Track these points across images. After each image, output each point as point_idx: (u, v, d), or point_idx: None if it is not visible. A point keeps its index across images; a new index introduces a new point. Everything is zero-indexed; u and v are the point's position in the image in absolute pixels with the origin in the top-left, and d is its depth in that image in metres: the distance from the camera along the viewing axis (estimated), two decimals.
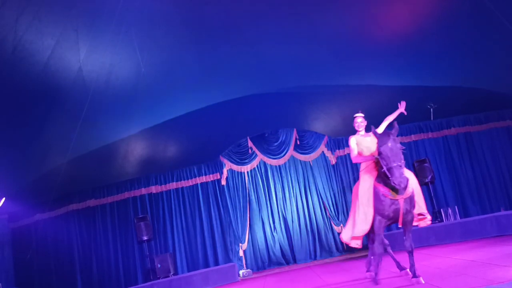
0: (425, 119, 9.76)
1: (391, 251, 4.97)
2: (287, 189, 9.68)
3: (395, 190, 4.21)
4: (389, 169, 4.08)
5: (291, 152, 9.77)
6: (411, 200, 4.35)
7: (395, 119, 4.75)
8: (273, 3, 6.74)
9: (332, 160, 9.77)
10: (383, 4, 7.01)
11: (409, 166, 9.51)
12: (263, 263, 9.31)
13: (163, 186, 9.66)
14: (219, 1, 6.60)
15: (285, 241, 9.40)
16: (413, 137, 9.71)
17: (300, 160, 9.79)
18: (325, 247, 9.30)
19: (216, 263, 9.19)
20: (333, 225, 9.41)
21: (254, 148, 9.81)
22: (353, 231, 4.64)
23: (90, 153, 8.56)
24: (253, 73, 8.12)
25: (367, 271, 5.07)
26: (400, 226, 4.46)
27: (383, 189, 4.31)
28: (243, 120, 9.34)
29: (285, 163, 9.76)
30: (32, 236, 9.44)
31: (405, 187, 4.18)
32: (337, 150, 9.83)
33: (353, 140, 4.89)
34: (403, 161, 4.12)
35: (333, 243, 9.31)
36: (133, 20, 6.45)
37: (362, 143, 4.83)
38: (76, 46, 6.49)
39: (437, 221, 8.56)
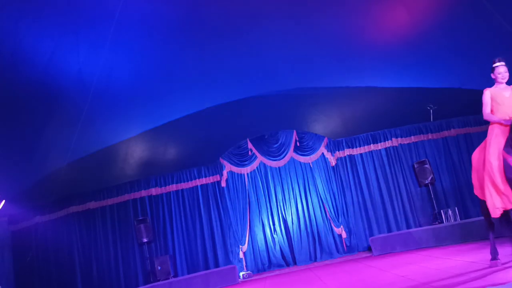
0: (425, 120, 9.77)
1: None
2: (287, 190, 9.66)
3: None
4: None
5: (291, 153, 9.76)
6: None
7: None
8: (273, 4, 6.75)
9: (332, 161, 9.76)
10: (382, 5, 7.01)
11: (409, 167, 9.53)
12: (263, 265, 9.29)
13: (163, 188, 9.65)
14: (219, 3, 6.60)
15: (285, 243, 9.38)
16: (413, 139, 9.72)
17: (300, 162, 9.78)
18: (325, 249, 9.27)
19: (216, 265, 9.18)
20: (333, 226, 9.39)
21: (254, 150, 9.80)
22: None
23: (90, 156, 8.55)
24: (253, 74, 8.12)
25: (493, 259, 4.28)
26: None
27: None
28: (243, 122, 9.35)
29: (285, 165, 9.74)
30: (32, 238, 9.42)
31: None
32: (337, 152, 9.83)
33: (487, 94, 4.12)
34: None
35: (333, 244, 9.28)
36: (132, 22, 6.45)
37: (497, 97, 4.06)
38: (75, 48, 6.49)
39: (437, 222, 8.56)
